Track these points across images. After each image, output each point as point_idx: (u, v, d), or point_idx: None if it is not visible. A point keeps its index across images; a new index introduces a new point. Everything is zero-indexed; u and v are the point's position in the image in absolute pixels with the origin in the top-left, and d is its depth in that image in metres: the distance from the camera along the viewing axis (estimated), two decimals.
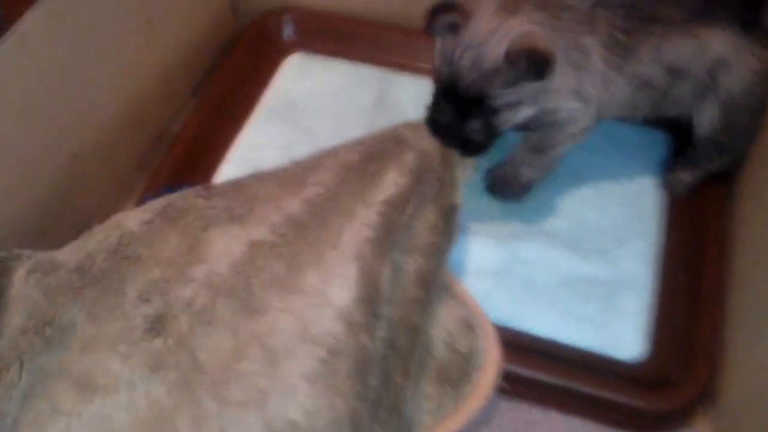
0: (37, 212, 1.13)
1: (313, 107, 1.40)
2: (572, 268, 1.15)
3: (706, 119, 1.14)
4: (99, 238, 1.01)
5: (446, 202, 1.11)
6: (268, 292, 0.97)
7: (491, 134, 1.05)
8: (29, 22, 1.02)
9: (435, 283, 1.05)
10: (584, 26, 1.04)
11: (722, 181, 1.23)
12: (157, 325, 0.94)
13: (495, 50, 0.98)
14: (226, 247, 1.01)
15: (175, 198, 1.07)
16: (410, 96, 1.39)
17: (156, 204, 1.06)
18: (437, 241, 1.07)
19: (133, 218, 1.04)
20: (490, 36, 0.98)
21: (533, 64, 0.97)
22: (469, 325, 1.03)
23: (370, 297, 0.97)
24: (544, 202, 1.23)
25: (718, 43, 1.06)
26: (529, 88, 1.00)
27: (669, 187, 1.26)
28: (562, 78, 1.03)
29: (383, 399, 0.95)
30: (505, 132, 1.06)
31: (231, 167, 1.31)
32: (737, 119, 1.12)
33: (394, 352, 0.97)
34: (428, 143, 1.11)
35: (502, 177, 1.18)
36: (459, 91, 1.01)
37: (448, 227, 1.09)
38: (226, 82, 1.41)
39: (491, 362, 1.01)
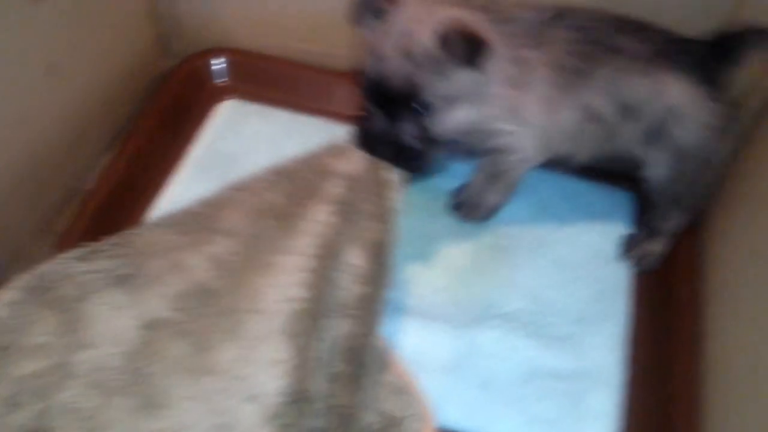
0: None
1: (247, 161, 1.23)
2: (535, 360, 1.05)
3: (656, 169, 1.10)
4: None
5: (376, 239, 0.97)
6: (173, 379, 0.84)
7: (428, 140, 0.98)
8: None
9: (367, 349, 0.92)
10: (531, 41, 0.99)
11: (691, 251, 1.18)
12: None
13: (424, 34, 0.92)
14: (113, 327, 0.88)
15: (50, 266, 0.92)
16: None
17: (26, 277, 0.91)
18: (367, 293, 0.93)
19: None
20: (420, 22, 0.93)
21: (466, 46, 0.91)
22: (399, 390, 0.94)
23: (305, 388, 0.84)
24: (504, 278, 1.14)
25: (676, 91, 1.02)
26: (463, 79, 0.94)
27: (639, 263, 1.18)
28: (499, 90, 0.99)
29: None
30: (443, 139, 0.99)
31: None
32: (688, 169, 1.10)
33: None
34: (355, 168, 0.99)
35: (467, 200, 1.17)
36: (387, 87, 0.94)
37: (378, 272, 0.96)
38: (148, 131, 1.26)
39: (427, 424, 0.92)
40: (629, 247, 1.19)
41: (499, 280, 1.13)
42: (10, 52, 1.06)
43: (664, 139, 1.07)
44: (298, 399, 0.84)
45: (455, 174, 1.23)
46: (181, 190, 1.23)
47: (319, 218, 0.95)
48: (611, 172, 1.24)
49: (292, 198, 0.98)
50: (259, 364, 0.85)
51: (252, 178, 1.01)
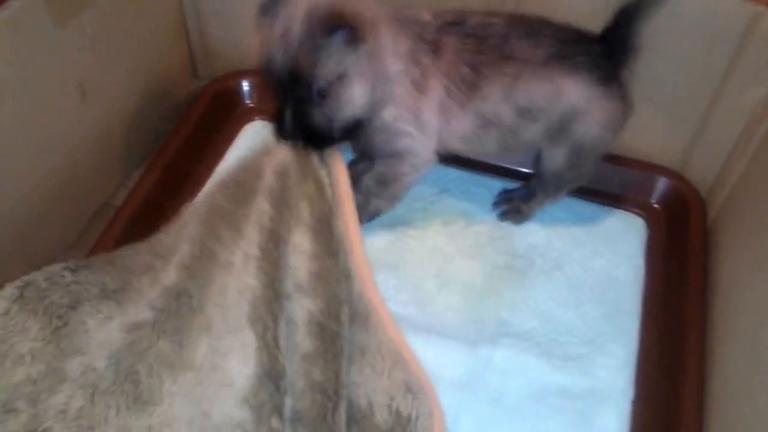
0: None
1: None
2: (547, 379, 1.07)
3: (554, 158, 1.15)
4: None
5: (315, 216, 1.02)
6: (158, 377, 0.89)
7: (330, 118, 1.02)
8: None
9: (337, 322, 0.95)
10: (429, 46, 1.02)
11: (700, 274, 1.19)
12: None
13: (298, 21, 0.95)
14: (102, 333, 0.92)
15: (36, 277, 0.96)
16: None
17: (12, 288, 0.94)
18: (319, 268, 0.98)
19: None
20: (298, 11, 0.96)
21: (333, 23, 0.94)
22: (410, 388, 0.95)
23: (273, 368, 0.88)
24: (517, 298, 1.16)
25: (575, 92, 1.05)
26: (344, 58, 0.97)
27: (507, 216, 1.25)
28: (402, 90, 1.02)
29: None
30: (346, 119, 1.03)
31: None
32: (584, 161, 1.15)
33: (302, 425, 0.88)
34: (283, 161, 1.05)
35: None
36: (278, 79, 0.98)
37: (326, 245, 1.00)
38: (177, 151, 1.30)
39: (438, 424, 0.94)
40: (505, 199, 1.25)
41: (512, 300, 1.15)
42: (42, 74, 1.09)
43: (565, 136, 1.10)
44: (267, 380, 0.87)
45: (473, 199, 1.27)
46: None
47: (260, 212, 1.01)
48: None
49: (236, 200, 1.04)
50: (228, 354, 0.90)
51: (207, 190, 1.08)
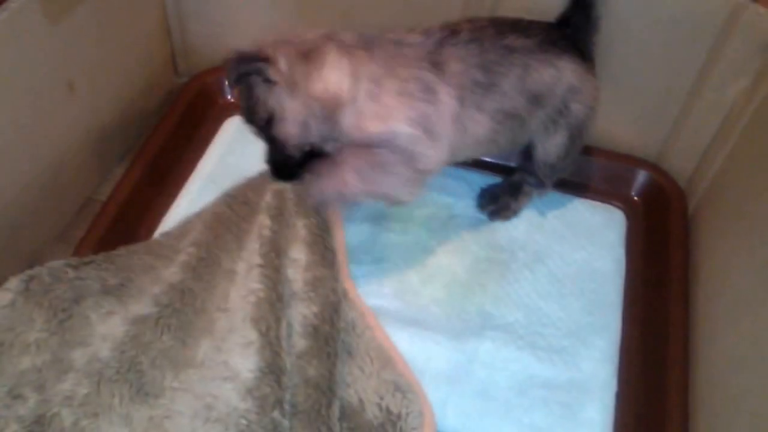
0: None
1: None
2: (531, 371, 1.08)
3: (553, 144, 1.16)
4: None
5: (309, 233, 1.06)
6: (160, 370, 0.91)
7: (287, 153, 1.03)
8: None
9: (330, 325, 0.98)
10: (426, 63, 1.02)
11: (680, 265, 1.20)
12: (36, 428, 0.86)
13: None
14: (104, 326, 0.95)
15: (40, 271, 0.98)
16: None
17: (17, 281, 0.97)
18: (312, 278, 1.01)
19: None
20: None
21: (241, 70, 0.97)
22: (399, 388, 0.97)
23: (275, 364, 0.91)
24: (500, 291, 1.17)
25: (569, 71, 1.09)
26: (271, 96, 0.99)
27: (496, 214, 1.26)
28: (389, 101, 1.01)
29: None
30: (293, 152, 1.03)
31: None
32: (577, 143, 1.17)
33: (297, 419, 0.90)
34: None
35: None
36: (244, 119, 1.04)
37: (320, 257, 1.04)
38: (159, 147, 1.30)
39: (428, 422, 0.95)
40: (491, 198, 1.26)
41: (496, 293, 1.16)
42: (33, 69, 1.10)
43: (565, 117, 1.13)
44: (269, 372, 0.90)
45: (454, 192, 1.28)
46: (192, 201, 1.26)
47: (261, 226, 1.04)
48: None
49: (239, 214, 1.08)
50: (231, 351, 0.92)
51: (213, 200, 1.11)
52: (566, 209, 1.29)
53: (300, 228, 1.05)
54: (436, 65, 1.03)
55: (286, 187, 1.09)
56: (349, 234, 1.20)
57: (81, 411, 0.88)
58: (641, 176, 1.32)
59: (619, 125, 1.32)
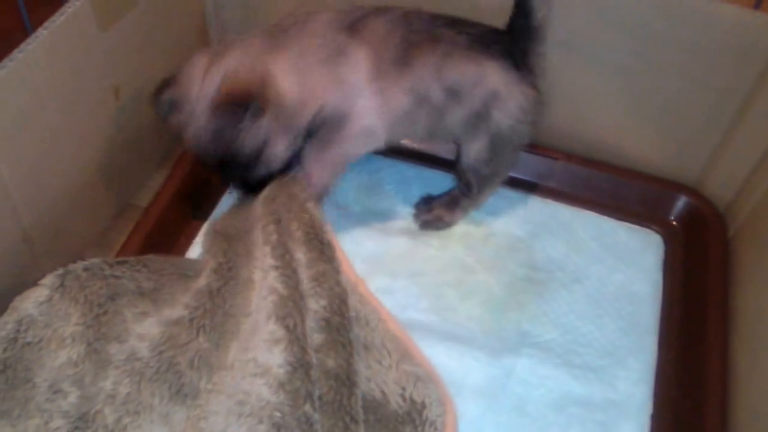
0: None
1: None
2: (567, 389, 1.08)
3: (473, 148, 1.16)
4: None
5: (303, 232, 1.06)
6: (197, 371, 0.93)
7: (272, 169, 1.09)
8: None
9: (340, 316, 0.99)
10: (343, 30, 1.06)
11: (720, 291, 1.19)
12: (81, 424, 0.87)
13: (203, 112, 1.02)
14: (139, 325, 0.96)
15: (76, 268, 0.99)
16: (394, 179, 1.34)
17: (53, 277, 0.98)
18: (315, 273, 1.02)
19: (31, 299, 0.96)
20: (197, 98, 1.01)
21: (234, 113, 1.00)
22: (419, 378, 0.98)
23: (304, 359, 0.91)
24: (538, 310, 1.17)
25: (495, 76, 1.08)
26: (261, 127, 1.02)
27: (428, 224, 1.26)
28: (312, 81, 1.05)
29: None
30: (280, 166, 1.09)
31: None
32: (501, 152, 1.16)
33: (322, 411, 0.90)
34: (270, 192, 1.10)
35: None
36: (210, 159, 1.06)
37: (317, 252, 1.04)
38: None
39: (449, 410, 0.96)
40: (425, 208, 1.26)
41: (533, 312, 1.16)
42: (83, 74, 1.11)
43: (486, 122, 1.12)
44: (299, 367, 0.90)
45: (492, 210, 1.28)
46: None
47: (267, 233, 1.05)
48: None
49: (242, 228, 1.09)
50: (258, 348, 0.93)
51: (224, 213, 1.14)
52: (604, 231, 1.28)
53: (295, 230, 1.05)
54: (354, 31, 1.06)
55: (268, 196, 1.10)
56: (386, 247, 1.22)
57: (123, 409, 0.89)
58: (680, 201, 1.32)
59: (659, 149, 1.32)
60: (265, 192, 1.10)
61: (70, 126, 1.12)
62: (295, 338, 0.92)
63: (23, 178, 1.05)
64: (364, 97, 1.08)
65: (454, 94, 1.09)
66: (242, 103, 1.00)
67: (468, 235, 1.26)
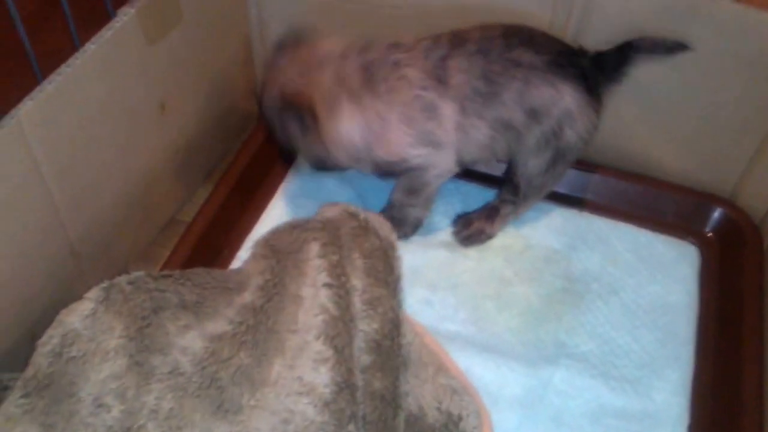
0: (28, 310, 1.06)
1: (339, 194, 1.35)
2: (603, 400, 1.10)
3: (534, 162, 1.19)
4: (43, 341, 0.93)
5: (364, 260, 1.07)
6: (239, 387, 0.93)
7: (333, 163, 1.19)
8: (25, 109, 0.96)
9: (390, 340, 1.00)
10: (428, 80, 1.11)
11: (755, 303, 1.20)
12: None
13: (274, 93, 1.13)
14: (182, 339, 0.96)
15: (121, 281, 1.00)
16: None
17: (98, 290, 0.98)
18: (372, 296, 1.03)
19: (76, 312, 0.95)
20: (291, 73, 1.12)
21: (283, 109, 1.12)
22: (456, 391, 0.99)
23: (350, 380, 0.93)
24: (575, 321, 1.19)
25: (570, 97, 1.11)
26: (300, 133, 1.14)
27: (469, 240, 1.28)
28: (393, 135, 1.13)
29: None
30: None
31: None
32: (558, 166, 1.20)
33: (366, 430, 0.92)
34: (330, 213, 1.13)
35: (393, 217, 1.22)
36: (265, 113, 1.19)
37: (376, 278, 1.06)
38: (243, 167, 1.35)
39: (486, 422, 0.98)
40: (464, 224, 1.28)
41: (570, 323, 1.18)
42: (131, 89, 1.14)
43: (557, 139, 1.15)
44: (345, 387, 0.92)
45: (530, 223, 1.29)
46: (275, 222, 1.27)
47: (326, 253, 1.06)
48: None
49: (292, 245, 1.09)
50: (304, 367, 0.94)
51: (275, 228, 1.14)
52: (640, 243, 1.30)
53: (356, 258, 1.06)
54: (439, 80, 1.11)
55: (332, 222, 1.12)
56: (426, 259, 1.25)
57: (166, 425, 0.90)
58: (716, 212, 1.33)
59: (694, 161, 1.33)
60: (328, 214, 1.13)
61: (116, 140, 1.14)
62: (343, 359, 0.94)
63: (71, 193, 1.07)
64: (445, 149, 1.15)
65: (534, 114, 1.13)
66: (297, 111, 1.10)
67: (506, 248, 1.28)
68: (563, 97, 1.12)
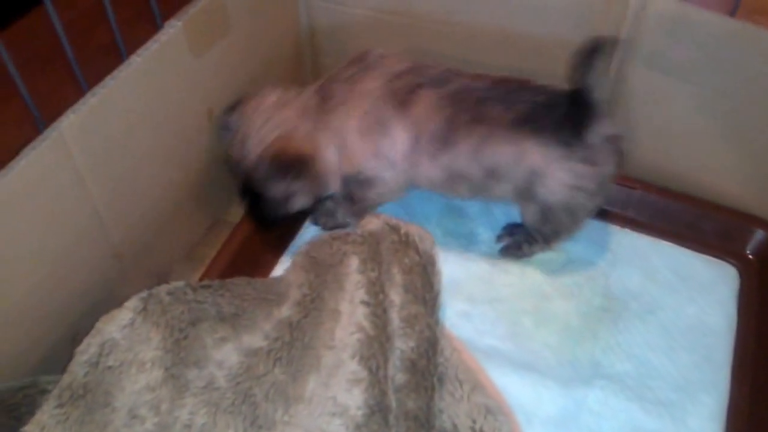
0: (71, 312, 1.08)
1: None
2: (638, 422, 1.10)
3: (528, 214, 1.19)
4: (81, 349, 0.95)
5: (403, 275, 1.08)
6: (272, 403, 0.94)
7: (282, 213, 1.19)
8: (67, 121, 0.98)
9: (426, 360, 1.01)
10: (390, 99, 1.11)
11: None
12: None
13: (255, 148, 1.12)
14: (218, 352, 0.98)
15: (160, 292, 1.01)
16: (477, 204, 1.38)
17: (136, 300, 1.00)
18: (408, 314, 1.04)
19: (114, 321, 0.97)
20: (255, 134, 1.12)
21: (279, 171, 1.12)
22: (490, 410, 0.99)
23: (383, 402, 0.93)
24: (611, 340, 1.19)
25: (536, 155, 1.08)
26: (294, 185, 1.14)
27: (508, 250, 1.28)
28: (355, 148, 1.15)
29: None
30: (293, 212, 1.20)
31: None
32: (555, 219, 1.17)
33: None
34: (373, 226, 1.14)
35: (326, 206, 1.28)
36: (238, 177, 1.17)
37: (414, 295, 1.07)
38: None
39: None
40: (508, 234, 1.29)
41: (606, 342, 1.18)
42: (178, 97, 1.16)
43: (533, 195, 1.13)
44: (378, 411, 0.92)
45: (576, 237, 1.28)
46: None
47: (366, 269, 1.07)
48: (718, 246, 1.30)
49: (331, 261, 1.11)
50: (339, 387, 0.95)
51: (302, 248, 1.16)
52: (680, 262, 1.30)
53: (395, 273, 1.07)
54: (402, 102, 1.11)
55: (372, 235, 1.14)
56: (466, 271, 1.26)
57: None
58: (757, 234, 1.32)
59: (736, 181, 1.32)
60: (369, 227, 1.14)
61: (161, 147, 1.16)
62: (377, 381, 0.94)
63: (113, 199, 1.09)
64: (396, 170, 1.16)
65: (492, 173, 1.12)
66: (290, 166, 1.11)
67: (546, 262, 1.29)
68: (527, 156, 1.10)
